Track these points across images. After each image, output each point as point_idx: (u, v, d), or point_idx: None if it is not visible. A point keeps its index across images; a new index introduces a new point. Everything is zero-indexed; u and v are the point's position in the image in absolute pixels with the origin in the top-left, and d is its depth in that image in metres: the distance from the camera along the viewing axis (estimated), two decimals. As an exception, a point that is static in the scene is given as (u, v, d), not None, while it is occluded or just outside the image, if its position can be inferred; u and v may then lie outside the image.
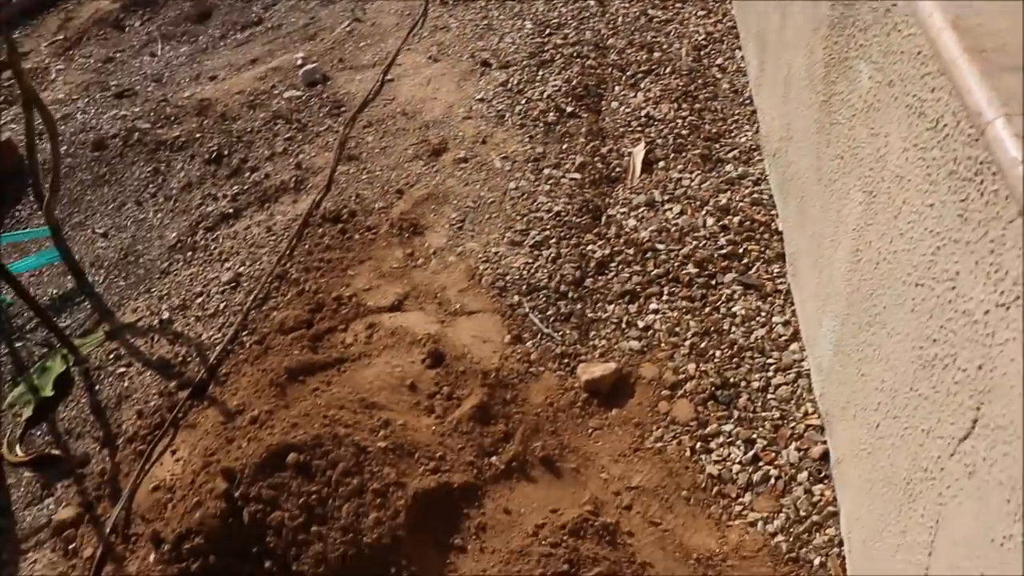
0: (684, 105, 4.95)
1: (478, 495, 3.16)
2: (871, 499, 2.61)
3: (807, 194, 3.50)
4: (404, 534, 2.95)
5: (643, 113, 4.95)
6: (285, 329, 4.08)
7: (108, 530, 3.63)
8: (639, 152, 4.66)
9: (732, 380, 3.54)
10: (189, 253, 4.98)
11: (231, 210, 5.14)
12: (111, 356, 4.53)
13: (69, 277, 5.11)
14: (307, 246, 4.65)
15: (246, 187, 5.28)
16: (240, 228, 5.00)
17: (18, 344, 4.87)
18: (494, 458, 3.30)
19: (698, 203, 4.29)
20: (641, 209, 4.36)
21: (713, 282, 3.93)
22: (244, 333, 4.27)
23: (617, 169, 4.65)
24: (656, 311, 3.87)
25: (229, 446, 3.39)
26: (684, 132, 4.72)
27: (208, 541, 3.09)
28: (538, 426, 3.48)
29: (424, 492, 3.06)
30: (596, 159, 4.71)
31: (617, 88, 5.28)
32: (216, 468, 3.24)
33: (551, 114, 5.07)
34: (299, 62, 6.28)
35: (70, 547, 3.72)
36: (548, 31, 5.93)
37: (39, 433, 4.33)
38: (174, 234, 5.14)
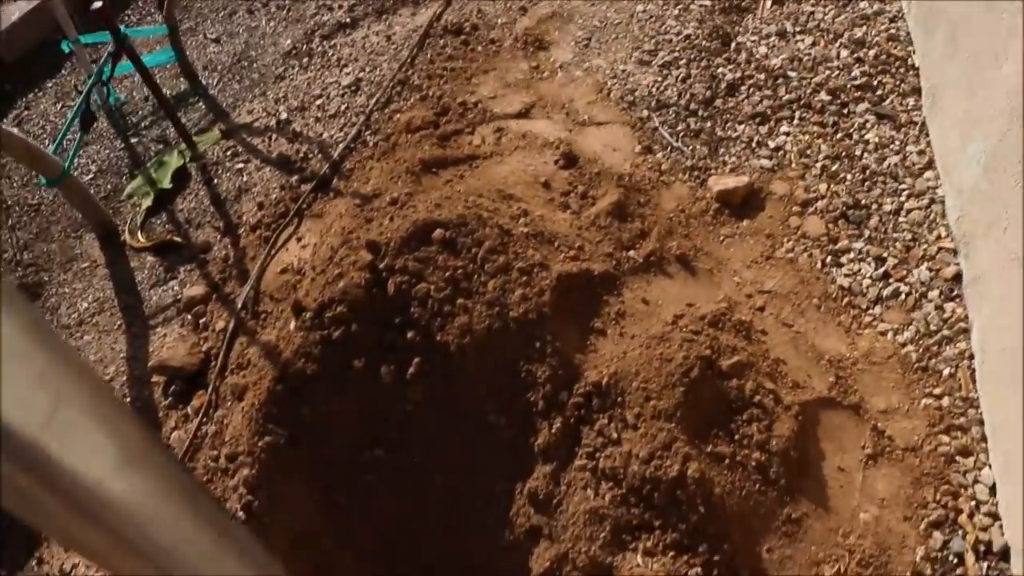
0: (817, -58, 4.83)
1: (617, 284, 3.21)
2: (1019, 306, 2.65)
3: (962, 20, 3.44)
4: (549, 311, 3.01)
5: (774, -53, 4.83)
6: (412, 128, 4.11)
7: (239, 306, 3.75)
8: (771, -17, 4.58)
9: (864, 202, 3.55)
10: (305, 59, 4.99)
11: (348, 20, 5.14)
12: (228, 152, 4.60)
13: (182, 79, 5.15)
14: (428, 55, 4.65)
15: (362, -1, 5.26)
16: (358, 37, 5.00)
17: (133, 140, 4.95)
18: (632, 252, 3.35)
19: (831, 36, 4.22)
20: (772, 38, 4.30)
21: (845, 111, 3.90)
22: (367, 132, 4.32)
23: (747, -1, 4.59)
24: (787, 133, 3.86)
25: (368, 225, 3.45)
26: (817, -33, 4.62)
27: (351, 310, 3.15)
28: (672, 228, 3.52)
29: (566, 275, 3.11)
30: (726, -12, 4.63)
31: (746, -78, 5.14)
32: (358, 243, 3.31)
33: (679, -58, 4.97)
34: None
35: (200, 321, 3.85)
36: None
37: (158, 222, 4.44)
38: (288, 41, 5.15)
